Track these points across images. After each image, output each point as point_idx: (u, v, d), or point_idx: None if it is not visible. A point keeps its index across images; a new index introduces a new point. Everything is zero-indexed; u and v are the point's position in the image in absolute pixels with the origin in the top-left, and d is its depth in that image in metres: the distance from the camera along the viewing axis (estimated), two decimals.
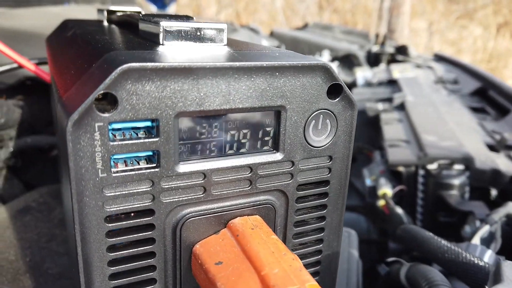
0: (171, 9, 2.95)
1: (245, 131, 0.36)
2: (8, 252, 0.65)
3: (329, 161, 0.39)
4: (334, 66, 1.96)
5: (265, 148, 0.37)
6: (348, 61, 2.12)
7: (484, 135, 1.11)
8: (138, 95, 0.30)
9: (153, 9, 2.41)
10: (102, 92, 0.29)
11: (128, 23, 0.56)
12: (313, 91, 0.36)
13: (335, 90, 0.37)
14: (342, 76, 1.96)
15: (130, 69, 0.29)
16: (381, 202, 0.99)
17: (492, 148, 1.04)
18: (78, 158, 0.29)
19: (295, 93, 0.35)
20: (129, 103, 0.30)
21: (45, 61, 0.78)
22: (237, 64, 0.32)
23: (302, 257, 0.42)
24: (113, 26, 0.61)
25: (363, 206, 1.16)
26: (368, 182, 1.09)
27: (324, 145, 0.38)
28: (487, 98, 1.47)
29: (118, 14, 0.64)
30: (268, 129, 0.36)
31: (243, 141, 0.36)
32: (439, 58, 2.10)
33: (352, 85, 1.86)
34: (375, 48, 2.21)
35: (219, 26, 0.38)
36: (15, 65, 0.78)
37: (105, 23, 0.65)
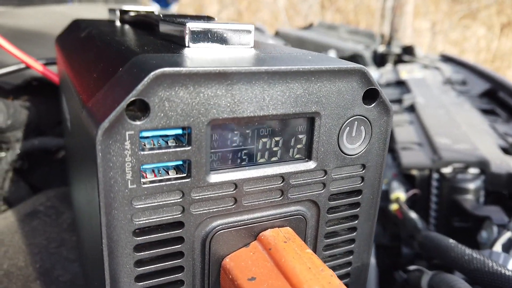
0: (174, 9, 2.93)
1: (277, 138, 0.34)
2: (18, 258, 0.63)
3: (362, 170, 0.38)
4: None
5: (297, 156, 0.35)
6: (354, 61, 2.09)
7: (496, 138, 1.09)
8: (171, 102, 0.28)
9: (156, 8, 2.39)
10: (133, 99, 0.27)
11: (144, 24, 0.54)
12: (349, 96, 0.34)
13: (371, 95, 0.36)
14: None
15: (163, 74, 0.27)
16: (394, 206, 0.97)
17: (505, 151, 1.02)
18: (108, 168, 0.28)
19: (330, 99, 0.34)
20: (161, 110, 0.28)
21: (53, 62, 0.76)
22: (273, 68, 0.31)
23: (331, 269, 0.40)
24: (127, 26, 0.59)
25: None
26: None
27: (357, 153, 0.37)
28: (497, 99, 1.45)
29: (132, 14, 0.62)
30: (300, 136, 0.35)
31: (275, 149, 0.34)
32: (446, 59, 2.08)
33: None
34: (381, 48, 2.20)
35: (246, 27, 0.37)
36: (22, 66, 0.76)
37: (118, 23, 0.63)
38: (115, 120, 0.27)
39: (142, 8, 0.65)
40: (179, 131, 0.30)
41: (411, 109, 1.35)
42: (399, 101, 1.46)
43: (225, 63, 0.30)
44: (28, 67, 0.77)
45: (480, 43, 5.32)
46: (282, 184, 0.34)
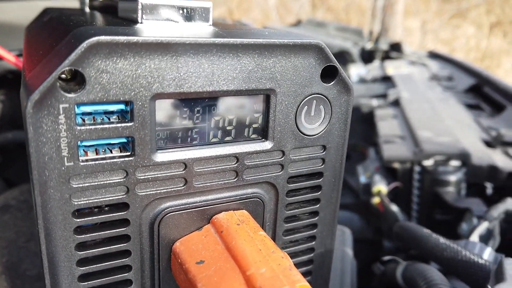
0: None
1: (230, 117, 0.32)
2: None
3: (323, 151, 0.36)
4: None
5: (253, 136, 0.34)
6: (342, 58, 2.09)
7: (480, 132, 1.09)
8: (109, 73, 0.26)
9: None
10: (67, 69, 0.25)
11: (109, 7, 0.52)
12: (306, 73, 0.33)
13: (329, 72, 0.34)
14: None
15: (99, 43, 0.26)
16: (375, 200, 0.96)
17: (488, 144, 1.02)
18: (41, 144, 0.26)
19: (286, 75, 0.32)
20: (98, 82, 0.26)
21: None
22: (222, 40, 0.29)
23: (293, 255, 0.39)
24: (94, 12, 0.57)
25: (357, 204, 1.13)
26: (363, 179, 1.06)
27: (317, 134, 0.35)
28: (482, 94, 1.45)
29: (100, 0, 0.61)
30: (256, 115, 0.33)
31: (228, 128, 0.33)
32: (433, 55, 2.08)
33: None
34: (369, 45, 2.19)
35: (204, 4, 0.35)
36: None
37: (87, 10, 0.61)
38: (46, 91, 0.25)
39: None
40: (122, 106, 0.28)
41: (396, 103, 1.34)
42: (384, 96, 1.46)
43: (170, 35, 0.28)
44: (0, 58, 0.75)
45: (470, 42, 5.34)
46: (236, 165, 0.33)
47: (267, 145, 0.34)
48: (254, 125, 0.33)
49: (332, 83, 0.34)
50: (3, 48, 0.73)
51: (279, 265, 0.28)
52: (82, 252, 0.29)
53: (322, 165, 0.37)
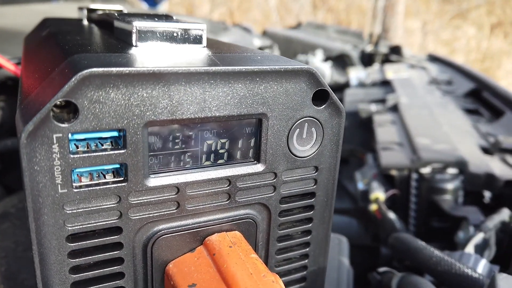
0: (163, 8, 2.91)
1: (223, 140, 0.33)
2: None
3: (315, 172, 0.37)
4: (327, 66, 1.94)
5: (245, 159, 0.34)
6: (341, 61, 2.10)
7: (478, 138, 1.09)
8: (102, 103, 0.27)
9: (144, 7, 2.37)
10: (60, 100, 0.26)
11: (105, 23, 0.53)
12: (297, 97, 0.33)
13: (321, 96, 0.35)
14: (335, 76, 1.94)
15: (91, 75, 0.26)
16: (373, 207, 0.97)
17: (486, 151, 1.02)
18: (35, 173, 0.26)
19: (278, 100, 0.33)
20: (91, 112, 0.27)
21: None
22: (213, 68, 0.30)
23: (286, 273, 0.39)
24: (92, 25, 0.58)
25: (355, 209, 1.13)
26: (360, 185, 1.06)
27: (309, 155, 0.36)
28: (481, 99, 1.45)
29: (99, 12, 0.61)
30: (248, 138, 0.34)
31: (221, 151, 0.33)
32: (433, 59, 2.08)
33: (345, 85, 1.83)
34: (369, 48, 2.19)
35: (198, 26, 0.36)
36: None
37: (85, 22, 0.62)
38: (40, 122, 0.26)
39: (109, 7, 0.64)
40: (115, 134, 0.29)
41: (395, 109, 1.35)
42: (383, 101, 1.46)
43: (162, 63, 0.29)
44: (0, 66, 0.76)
45: (471, 43, 5.34)
46: (229, 187, 0.33)
47: (259, 167, 0.34)
48: (246, 148, 0.34)
49: (323, 106, 0.35)
50: (2, 56, 0.73)
51: None
52: (76, 275, 0.30)
53: (314, 185, 0.37)
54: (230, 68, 0.30)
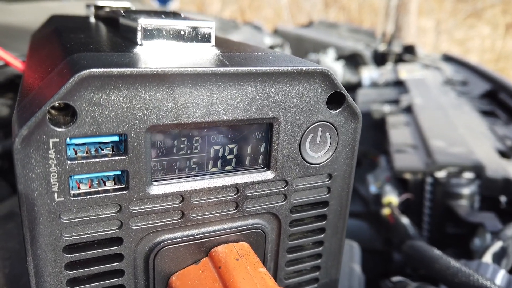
0: (173, 6, 2.90)
1: (231, 146, 0.31)
2: None
3: (328, 180, 0.35)
4: (340, 66, 1.91)
5: (255, 165, 0.32)
6: (353, 60, 2.06)
7: (495, 141, 1.06)
8: (102, 106, 0.25)
9: (154, 5, 2.36)
10: (57, 103, 0.24)
11: (112, 20, 0.51)
12: (311, 100, 0.31)
13: (336, 99, 0.32)
14: (348, 75, 1.91)
15: (90, 76, 0.24)
16: (386, 211, 0.94)
17: (503, 154, 0.99)
18: (29, 180, 0.25)
19: (290, 103, 0.31)
20: (90, 116, 0.25)
21: None
22: (221, 69, 0.28)
23: (296, 286, 0.37)
24: (99, 23, 0.56)
25: (367, 213, 1.11)
26: (373, 188, 1.04)
27: (322, 162, 0.34)
28: (498, 101, 1.41)
29: (106, 10, 0.60)
30: (258, 144, 0.32)
31: (228, 157, 0.31)
32: (447, 58, 2.04)
33: (357, 85, 1.80)
34: (381, 47, 2.16)
35: (206, 24, 0.34)
36: (1, 63, 0.74)
37: (92, 20, 0.60)
38: (36, 126, 0.24)
39: (116, 4, 0.62)
40: (116, 138, 0.27)
41: (408, 110, 1.32)
42: (396, 101, 1.43)
43: (167, 64, 0.27)
44: (7, 64, 0.75)
45: (485, 42, 5.24)
46: (236, 196, 0.31)
47: (269, 174, 0.32)
48: (255, 154, 0.32)
49: (338, 110, 0.33)
50: (10, 53, 0.72)
51: None
52: None
53: (327, 194, 0.35)
54: (239, 69, 0.28)
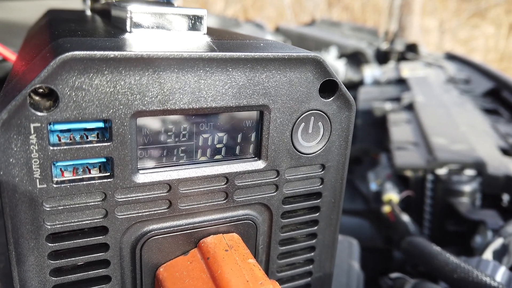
0: (177, 3, 2.90)
1: (220, 134, 0.30)
2: None
3: (321, 170, 0.34)
4: (342, 64, 1.90)
5: (245, 155, 0.31)
6: (356, 58, 2.05)
7: (497, 138, 1.05)
8: (85, 91, 0.25)
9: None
10: (38, 86, 0.24)
11: (106, 12, 0.51)
12: (303, 88, 0.31)
13: (329, 87, 0.32)
14: (350, 74, 1.90)
15: (73, 59, 0.24)
16: (386, 208, 0.93)
17: (505, 152, 0.97)
18: (10, 165, 0.24)
19: (281, 91, 0.30)
20: (73, 100, 0.24)
21: None
22: (209, 54, 0.27)
23: (289, 279, 0.36)
24: (94, 15, 0.55)
25: (367, 210, 1.10)
26: (373, 186, 1.03)
27: (315, 152, 0.33)
28: (500, 99, 1.40)
29: (101, 2, 0.59)
30: (248, 132, 0.31)
31: (218, 146, 0.30)
32: (450, 57, 2.03)
33: (359, 83, 1.79)
34: (384, 46, 2.14)
35: (197, 12, 0.33)
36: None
37: (88, 13, 0.60)
38: (16, 110, 0.23)
39: None
40: (101, 124, 0.26)
41: (410, 107, 1.30)
42: (398, 99, 1.42)
43: (153, 48, 0.26)
44: (5, 59, 0.75)
45: (489, 42, 5.21)
46: (226, 186, 0.31)
47: (260, 164, 0.31)
48: (245, 143, 0.31)
49: (331, 98, 0.32)
50: (8, 48, 0.72)
51: None
52: (57, 278, 0.27)
53: (320, 185, 0.34)
54: (227, 54, 0.27)
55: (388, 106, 1.33)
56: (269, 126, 0.30)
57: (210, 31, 0.35)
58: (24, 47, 0.46)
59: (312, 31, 2.41)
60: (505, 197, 0.88)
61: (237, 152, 0.31)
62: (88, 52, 0.24)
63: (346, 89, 0.32)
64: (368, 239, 1.05)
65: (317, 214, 0.35)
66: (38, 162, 0.25)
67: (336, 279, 0.59)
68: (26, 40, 0.53)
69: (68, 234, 0.27)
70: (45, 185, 0.25)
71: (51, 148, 0.25)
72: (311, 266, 0.37)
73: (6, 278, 0.59)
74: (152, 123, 0.28)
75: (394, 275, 0.60)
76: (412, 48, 2.11)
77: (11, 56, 0.72)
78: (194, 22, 0.33)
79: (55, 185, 0.25)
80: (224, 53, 0.27)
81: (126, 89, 0.25)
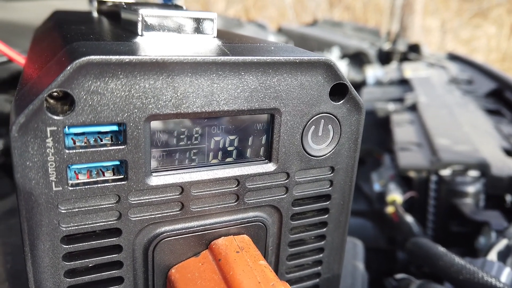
0: (179, 3, 2.90)
1: (232, 137, 0.31)
2: None
3: (331, 173, 0.34)
4: (344, 64, 1.90)
5: (256, 157, 0.32)
6: (358, 59, 2.05)
7: (500, 139, 1.05)
8: (100, 95, 0.25)
9: (159, 1, 2.36)
10: (55, 90, 0.24)
11: (114, 14, 0.51)
12: (313, 91, 0.31)
13: (339, 90, 0.32)
14: (352, 74, 1.90)
15: (89, 63, 0.24)
16: (390, 209, 0.93)
17: (509, 153, 0.98)
18: (26, 169, 0.24)
19: (292, 94, 0.30)
20: (88, 104, 0.25)
21: None
22: (222, 58, 0.27)
23: (297, 280, 0.37)
24: (101, 17, 0.56)
25: (370, 211, 1.10)
26: (377, 187, 1.03)
27: (325, 155, 0.33)
28: (503, 99, 1.40)
29: (108, 4, 0.59)
30: (259, 135, 0.31)
31: (229, 149, 0.31)
32: (453, 57, 2.03)
33: (362, 84, 1.79)
34: (386, 46, 2.14)
35: (208, 15, 0.33)
36: (5, 59, 0.74)
37: (95, 14, 0.60)
38: (33, 114, 0.24)
39: None
40: (115, 128, 0.27)
41: (413, 108, 1.31)
42: (401, 100, 1.42)
43: (167, 52, 0.27)
44: (10, 60, 0.75)
45: (491, 42, 5.21)
46: (237, 188, 0.31)
47: (270, 166, 0.32)
48: (256, 146, 0.31)
49: (341, 101, 0.32)
50: (13, 49, 0.72)
51: None
52: (71, 279, 0.28)
53: (330, 187, 0.34)
54: (240, 58, 0.28)
55: (391, 106, 1.33)
56: (279, 129, 0.31)
57: (219, 34, 0.35)
58: (33, 49, 0.47)
59: (314, 31, 2.42)
60: (509, 198, 0.88)
61: (248, 154, 0.31)
62: (104, 57, 0.24)
63: (356, 92, 0.32)
64: (372, 239, 1.05)
65: (326, 216, 0.35)
66: (54, 165, 0.25)
67: (341, 279, 0.60)
68: (34, 41, 0.54)
69: (83, 236, 0.27)
70: (60, 188, 0.26)
71: (67, 151, 0.25)
72: (319, 268, 0.37)
73: (13, 279, 0.59)
74: (165, 126, 0.28)
75: (399, 275, 0.60)
76: (414, 48, 2.11)
77: (18, 57, 0.72)
78: (204, 25, 0.33)
79: (70, 188, 0.26)
80: (237, 57, 0.28)
81: (141, 93, 0.26)
